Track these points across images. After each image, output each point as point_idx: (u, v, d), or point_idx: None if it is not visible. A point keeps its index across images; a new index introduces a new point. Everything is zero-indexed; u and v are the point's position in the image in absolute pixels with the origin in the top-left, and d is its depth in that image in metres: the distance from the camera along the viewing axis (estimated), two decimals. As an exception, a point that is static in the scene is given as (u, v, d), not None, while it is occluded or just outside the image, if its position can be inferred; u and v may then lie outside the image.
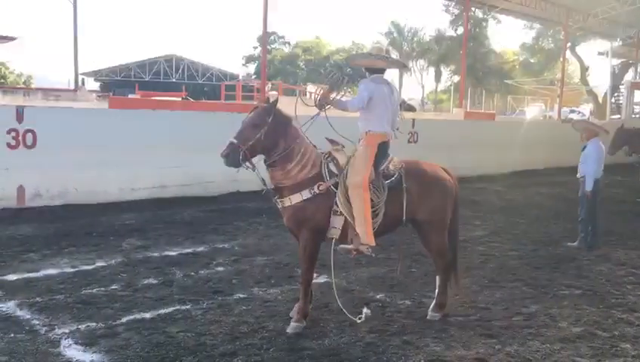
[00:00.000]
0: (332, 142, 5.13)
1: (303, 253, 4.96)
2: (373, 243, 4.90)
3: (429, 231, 5.22)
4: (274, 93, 28.32)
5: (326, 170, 4.95)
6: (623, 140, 11.94)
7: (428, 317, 5.22)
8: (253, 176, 4.90)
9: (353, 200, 4.82)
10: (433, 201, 5.13)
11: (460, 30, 47.31)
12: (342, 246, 5.01)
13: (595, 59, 40.45)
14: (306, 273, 4.96)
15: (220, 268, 6.58)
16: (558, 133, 19.23)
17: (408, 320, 5.21)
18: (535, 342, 4.82)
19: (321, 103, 4.99)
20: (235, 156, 4.73)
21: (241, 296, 5.68)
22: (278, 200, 4.96)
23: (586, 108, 44.58)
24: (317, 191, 4.85)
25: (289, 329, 4.81)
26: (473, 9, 29.95)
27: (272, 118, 4.80)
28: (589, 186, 8.11)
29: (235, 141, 4.74)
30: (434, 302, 5.33)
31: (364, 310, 5.07)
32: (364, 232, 4.84)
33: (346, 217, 4.87)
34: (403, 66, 6.21)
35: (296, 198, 4.85)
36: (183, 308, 5.28)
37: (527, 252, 7.91)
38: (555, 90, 38.76)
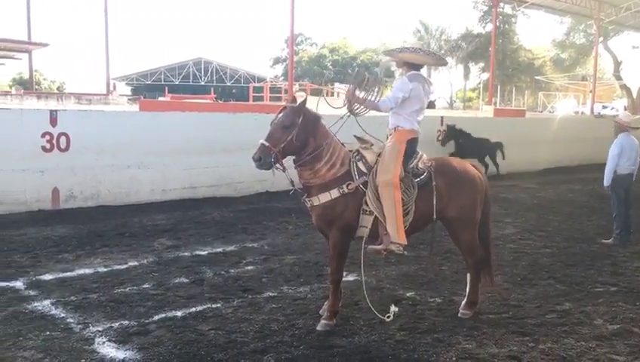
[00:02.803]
0: (360, 140, 5.08)
1: (333, 251, 4.94)
2: (405, 242, 4.85)
3: (459, 229, 5.16)
4: (302, 93, 28.43)
5: (355, 168, 4.90)
6: None
7: (459, 315, 5.17)
8: (283, 176, 4.89)
9: (384, 199, 4.78)
10: (463, 199, 5.07)
11: (489, 27, 46.82)
12: (371, 247, 4.97)
13: (629, 53, 39.44)
14: (336, 272, 4.95)
15: (250, 267, 6.62)
16: (590, 129, 18.87)
17: (439, 317, 5.16)
18: (569, 339, 4.73)
19: (351, 105, 4.94)
20: (266, 159, 4.65)
21: (271, 294, 5.70)
22: (306, 199, 4.93)
23: (620, 104, 43.61)
24: (346, 191, 4.81)
25: (319, 327, 4.80)
26: (502, 5, 29.59)
27: (302, 119, 4.74)
28: (606, 181, 8.08)
29: (266, 143, 4.66)
30: (465, 299, 5.28)
31: (392, 308, 5.03)
32: (396, 231, 4.79)
33: (375, 216, 4.84)
34: (445, 62, 6.14)
35: (324, 197, 4.81)
36: (214, 306, 5.32)
37: (560, 249, 7.77)
38: (587, 86, 38.05)
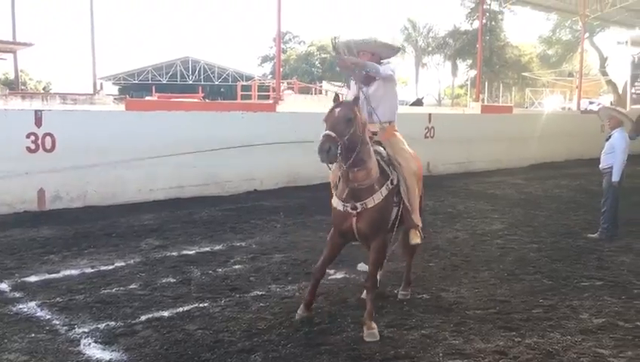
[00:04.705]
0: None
1: (379, 256, 4.82)
2: (420, 223, 5.10)
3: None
4: (289, 91, 28.37)
5: (383, 163, 4.87)
6: None
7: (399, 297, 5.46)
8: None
9: (410, 189, 4.92)
10: None
11: (476, 24, 46.96)
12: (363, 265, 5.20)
13: (615, 49, 39.72)
14: (376, 276, 4.91)
15: (238, 266, 6.60)
16: (577, 125, 19.05)
17: (426, 314, 5.17)
18: (555, 333, 4.76)
19: (349, 65, 5.00)
20: (335, 150, 4.29)
21: (259, 293, 5.69)
22: (355, 205, 4.62)
23: (606, 99, 43.92)
24: (391, 187, 4.78)
25: (367, 338, 4.58)
26: (488, 2, 29.71)
27: (359, 114, 4.60)
28: (616, 176, 7.99)
29: (332, 134, 4.32)
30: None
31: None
32: (418, 217, 5.05)
33: (399, 208, 4.91)
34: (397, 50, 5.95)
35: (378, 198, 4.63)
36: (201, 305, 5.30)
37: (547, 244, 7.82)
38: (574, 82, 38.27)
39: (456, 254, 7.23)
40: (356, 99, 4.71)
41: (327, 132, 4.34)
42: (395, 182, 4.85)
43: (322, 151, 4.28)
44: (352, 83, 5.24)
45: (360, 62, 5.04)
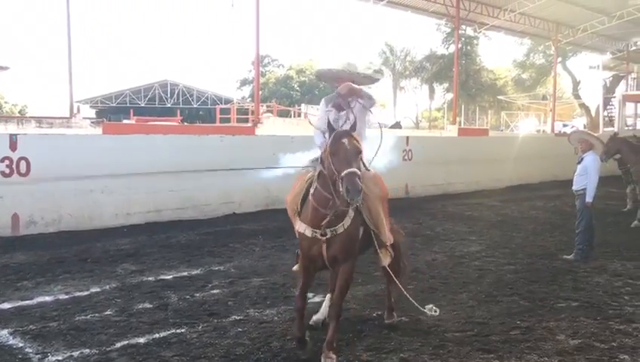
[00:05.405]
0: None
1: (347, 283, 4.72)
2: (390, 241, 5.04)
3: None
4: (268, 114, 28.48)
5: None
6: (615, 148, 12.03)
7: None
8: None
9: (375, 210, 4.87)
10: None
11: (452, 48, 47.77)
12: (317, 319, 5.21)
13: (587, 73, 40.68)
14: (341, 303, 4.80)
15: (216, 291, 6.54)
16: (551, 147, 19.38)
17: (405, 337, 5.17)
18: (533, 355, 4.79)
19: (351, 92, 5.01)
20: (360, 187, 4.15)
21: (237, 317, 5.64)
22: (324, 231, 4.50)
23: (580, 122, 44.81)
24: (356, 208, 4.67)
25: None
26: (464, 27, 30.29)
27: None
28: (590, 197, 8.14)
29: (358, 171, 4.18)
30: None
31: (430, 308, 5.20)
32: (386, 233, 4.97)
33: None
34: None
35: (347, 222, 4.54)
36: (178, 331, 5.23)
37: (524, 265, 7.89)
38: (548, 105, 39.03)
39: (434, 276, 7.26)
40: (353, 126, 4.55)
41: (354, 170, 4.13)
42: (360, 203, 4.65)
43: (357, 191, 4.07)
44: (328, 108, 5.18)
45: (364, 93, 4.99)
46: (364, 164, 4.55)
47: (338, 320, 4.69)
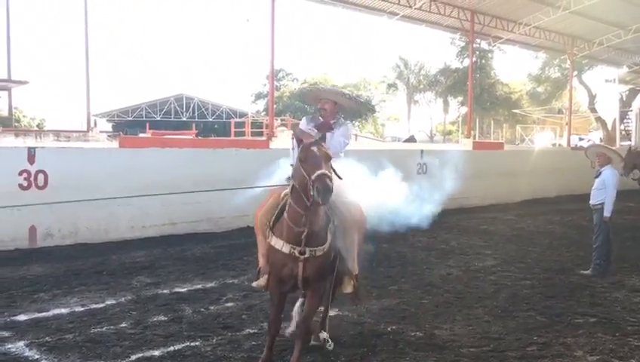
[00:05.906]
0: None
1: (318, 302, 4.75)
2: (356, 271, 4.91)
3: None
4: (282, 128, 28.56)
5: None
6: (632, 163, 11.90)
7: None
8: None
9: (350, 235, 4.71)
10: None
11: (466, 62, 47.76)
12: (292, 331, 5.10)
13: (603, 87, 40.34)
14: (310, 323, 4.81)
15: (230, 304, 6.55)
16: (568, 161, 19.21)
17: (420, 352, 5.13)
18: (550, 371, 4.73)
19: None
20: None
21: (251, 331, 5.64)
22: (304, 249, 4.39)
23: (596, 136, 44.41)
24: (333, 229, 4.56)
25: None
26: (478, 41, 30.25)
27: None
28: (608, 212, 8.05)
29: (329, 173, 4.18)
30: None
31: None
32: (354, 263, 4.82)
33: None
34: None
35: (326, 245, 4.46)
36: (193, 344, 5.24)
37: (540, 280, 7.81)
38: (564, 119, 38.79)
39: (449, 291, 7.20)
40: (323, 137, 4.54)
41: (324, 171, 4.11)
42: (335, 223, 4.60)
43: (329, 191, 4.05)
44: (310, 128, 5.11)
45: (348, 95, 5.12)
46: (334, 170, 4.45)
47: (305, 338, 4.66)
